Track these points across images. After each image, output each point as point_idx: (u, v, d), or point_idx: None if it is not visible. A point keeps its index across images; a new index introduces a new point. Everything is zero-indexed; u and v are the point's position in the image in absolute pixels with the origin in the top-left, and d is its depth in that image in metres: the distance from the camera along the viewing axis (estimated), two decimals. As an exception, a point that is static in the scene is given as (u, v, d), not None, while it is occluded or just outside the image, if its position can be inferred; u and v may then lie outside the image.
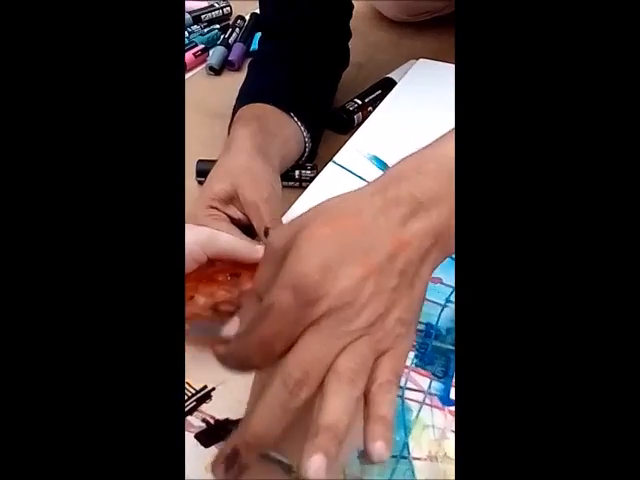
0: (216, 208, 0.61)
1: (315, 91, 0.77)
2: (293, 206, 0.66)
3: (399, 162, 0.40)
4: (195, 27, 1.05)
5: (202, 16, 1.06)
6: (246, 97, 0.73)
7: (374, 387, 0.36)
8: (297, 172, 0.73)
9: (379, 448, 0.34)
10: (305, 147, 0.74)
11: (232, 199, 0.61)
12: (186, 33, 1.02)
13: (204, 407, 0.49)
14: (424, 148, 0.40)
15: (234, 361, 0.37)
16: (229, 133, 0.70)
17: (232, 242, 0.50)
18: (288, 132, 0.72)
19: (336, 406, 0.34)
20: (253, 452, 0.35)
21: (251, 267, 0.48)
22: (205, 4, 1.09)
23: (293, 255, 0.36)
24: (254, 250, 0.49)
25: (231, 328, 0.39)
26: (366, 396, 0.36)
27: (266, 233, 0.57)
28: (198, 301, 0.48)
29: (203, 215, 0.60)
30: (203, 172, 0.72)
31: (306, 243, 0.36)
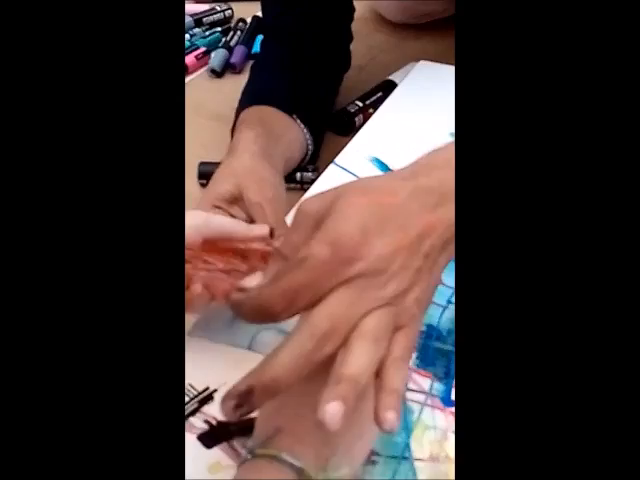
0: (220, 208, 0.61)
1: (317, 93, 0.77)
2: (295, 208, 0.66)
3: (430, 152, 0.41)
4: (197, 30, 1.05)
5: (204, 19, 1.07)
6: (249, 100, 0.73)
7: (388, 360, 0.37)
8: (298, 174, 0.74)
9: (391, 418, 0.36)
10: (307, 149, 0.74)
11: (236, 200, 0.61)
12: (187, 36, 1.02)
13: (206, 408, 0.49)
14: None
15: (252, 308, 0.37)
16: (232, 136, 0.70)
17: (228, 222, 0.51)
18: (291, 134, 0.72)
19: (360, 360, 0.36)
20: (266, 394, 0.36)
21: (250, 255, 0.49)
22: (206, 7, 1.09)
23: (334, 217, 0.37)
24: (249, 229, 0.51)
25: (252, 280, 0.40)
26: (379, 369, 0.37)
27: (271, 233, 0.57)
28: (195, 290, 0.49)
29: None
30: (205, 174, 0.72)
31: (347, 208, 0.37)
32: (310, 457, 0.38)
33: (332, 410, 0.34)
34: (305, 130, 0.73)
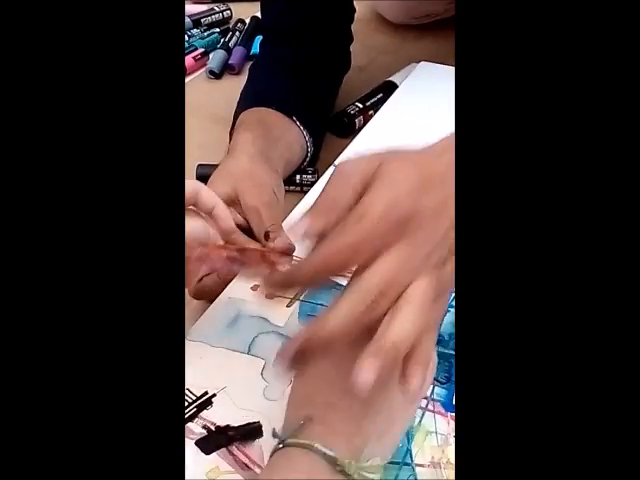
0: None
1: (317, 95, 0.77)
2: (294, 210, 0.66)
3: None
4: (195, 31, 1.04)
5: (202, 20, 1.06)
6: (248, 101, 0.73)
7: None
8: (298, 176, 0.73)
9: (415, 384, 0.37)
10: (307, 151, 0.74)
11: (233, 202, 0.61)
12: (186, 37, 1.02)
13: (205, 413, 0.48)
14: None
15: (312, 268, 0.38)
16: (230, 137, 0.70)
17: (214, 197, 0.50)
18: (291, 136, 0.72)
19: (404, 327, 0.36)
20: (320, 349, 0.37)
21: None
22: (205, 8, 1.09)
23: (386, 180, 0.38)
24: (229, 216, 0.50)
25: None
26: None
27: (266, 237, 0.57)
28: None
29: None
30: (204, 176, 0.72)
31: (397, 173, 0.38)
32: (342, 446, 0.38)
33: (367, 372, 0.35)
34: (304, 132, 0.73)
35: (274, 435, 0.42)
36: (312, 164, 0.76)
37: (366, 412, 0.40)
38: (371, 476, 0.38)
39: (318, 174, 0.72)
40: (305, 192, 0.70)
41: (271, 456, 0.40)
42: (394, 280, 0.37)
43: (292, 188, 0.72)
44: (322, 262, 0.38)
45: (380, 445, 0.40)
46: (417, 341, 0.37)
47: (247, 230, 0.61)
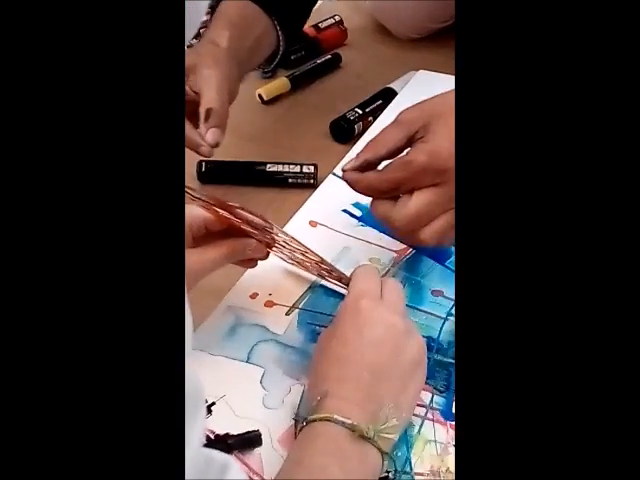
0: None
1: None
2: (292, 219, 0.66)
3: None
4: (194, 42, 1.04)
5: (200, 31, 1.06)
6: None
7: None
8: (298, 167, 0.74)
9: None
10: (279, 46, 0.76)
11: (189, 73, 0.64)
12: (187, 43, 1.02)
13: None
14: None
15: (363, 186, 0.54)
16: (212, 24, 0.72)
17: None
18: (264, 31, 0.73)
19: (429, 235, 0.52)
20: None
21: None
22: (206, 18, 1.09)
23: (433, 132, 0.51)
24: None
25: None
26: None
27: (207, 114, 0.62)
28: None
29: None
30: (204, 172, 0.73)
31: (444, 127, 0.50)
32: (358, 414, 0.42)
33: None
34: (280, 30, 0.75)
35: (296, 417, 0.46)
36: (285, 59, 0.79)
37: (376, 381, 0.44)
38: (390, 436, 0.43)
39: (317, 179, 0.72)
40: (303, 185, 0.72)
41: (298, 434, 0.44)
42: (425, 213, 0.51)
43: (292, 182, 0.73)
44: (368, 185, 0.53)
45: (396, 408, 0.44)
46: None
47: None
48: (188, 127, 0.61)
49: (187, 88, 0.63)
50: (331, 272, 0.56)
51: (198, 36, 1.04)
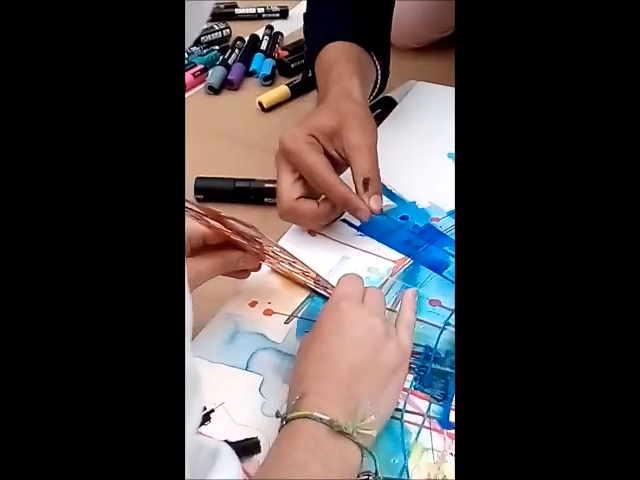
0: (316, 139, 0.62)
1: (379, 20, 0.77)
2: (291, 228, 0.66)
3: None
4: (195, 49, 1.05)
5: (202, 38, 1.07)
6: (325, 35, 0.72)
7: None
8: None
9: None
10: (377, 82, 0.76)
11: (333, 137, 0.62)
12: (185, 54, 1.02)
13: (203, 429, 0.48)
14: None
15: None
16: (307, 70, 0.72)
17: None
18: (370, 72, 0.73)
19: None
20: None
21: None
22: (205, 26, 1.10)
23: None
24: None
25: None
26: None
27: (365, 184, 0.61)
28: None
29: (303, 140, 0.62)
30: (202, 189, 0.72)
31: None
32: (336, 411, 0.43)
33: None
34: (377, 62, 0.74)
35: (277, 416, 0.46)
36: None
37: (355, 379, 0.45)
38: (369, 432, 0.43)
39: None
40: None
41: (279, 432, 0.44)
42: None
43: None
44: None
45: (374, 406, 0.45)
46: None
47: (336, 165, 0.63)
48: (346, 189, 0.61)
49: (334, 153, 0.63)
50: (318, 282, 0.58)
51: (198, 43, 1.05)
